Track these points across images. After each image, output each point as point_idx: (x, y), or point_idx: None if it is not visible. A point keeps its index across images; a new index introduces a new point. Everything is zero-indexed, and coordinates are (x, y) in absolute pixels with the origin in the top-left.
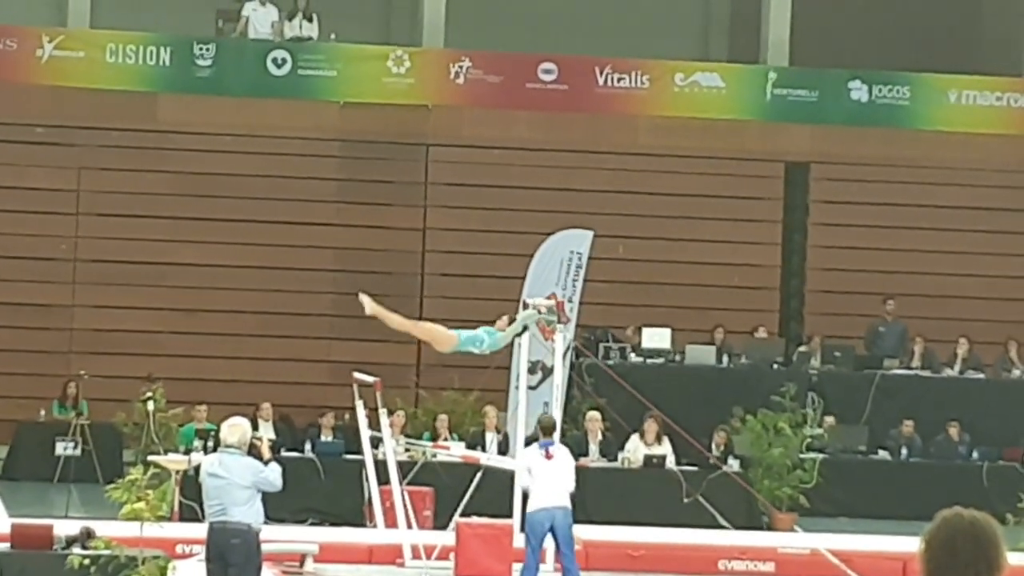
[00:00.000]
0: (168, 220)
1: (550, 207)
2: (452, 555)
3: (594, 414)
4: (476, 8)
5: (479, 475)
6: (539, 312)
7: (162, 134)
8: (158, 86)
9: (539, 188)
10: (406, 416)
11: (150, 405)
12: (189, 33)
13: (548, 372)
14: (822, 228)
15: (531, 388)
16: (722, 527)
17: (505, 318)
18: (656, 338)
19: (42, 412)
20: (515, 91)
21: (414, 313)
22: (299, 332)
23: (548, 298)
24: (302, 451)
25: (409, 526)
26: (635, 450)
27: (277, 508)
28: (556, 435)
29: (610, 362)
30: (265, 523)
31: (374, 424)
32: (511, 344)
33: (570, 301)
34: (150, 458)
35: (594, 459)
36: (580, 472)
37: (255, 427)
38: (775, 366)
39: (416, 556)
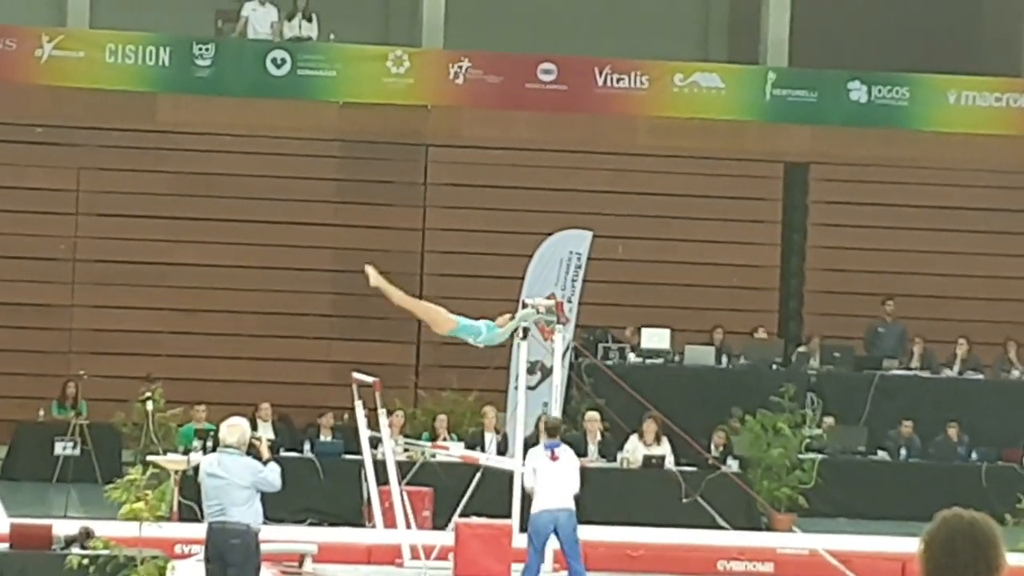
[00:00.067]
0: (167, 220)
1: (549, 207)
2: (451, 555)
3: (593, 414)
4: (475, 8)
5: (478, 475)
6: (538, 312)
7: (161, 134)
8: (157, 86)
9: (538, 188)
10: (405, 416)
11: (149, 405)
12: (188, 33)
13: (547, 372)
14: (821, 229)
15: (530, 388)
16: (721, 527)
17: (507, 316)
18: (655, 338)
19: (41, 412)
20: (514, 91)
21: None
22: (298, 332)
23: (547, 298)
24: (301, 451)
25: (408, 526)
26: (634, 450)
27: (276, 508)
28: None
29: (609, 362)
30: (264, 523)
31: (373, 424)
32: (510, 344)
33: (569, 301)
34: (149, 458)
35: (593, 459)
36: (579, 472)
37: (254, 427)
38: (774, 367)
39: (415, 556)
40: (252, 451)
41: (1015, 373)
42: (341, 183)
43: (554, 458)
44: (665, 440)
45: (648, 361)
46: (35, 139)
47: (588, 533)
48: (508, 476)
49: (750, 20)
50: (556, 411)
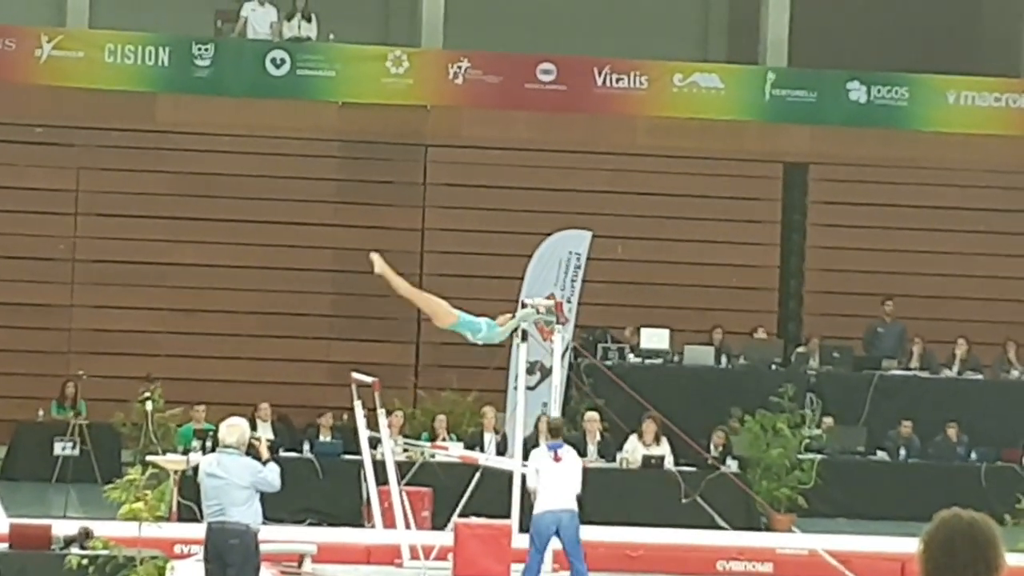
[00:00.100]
0: (167, 220)
1: (548, 207)
2: (450, 555)
3: (592, 415)
4: (475, 8)
5: (477, 475)
6: (537, 312)
7: (161, 134)
8: (157, 86)
9: (538, 189)
10: (404, 416)
11: (148, 405)
12: (188, 33)
13: (547, 373)
14: (821, 229)
15: (530, 389)
16: (720, 528)
17: (508, 316)
18: (654, 339)
19: (40, 412)
20: (514, 91)
21: (412, 313)
22: (298, 332)
23: (547, 298)
24: (300, 451)
25: (407, 526)
26: (633, 451)
27: (275, 508)
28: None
29: (608, 363)
30: (263, 523)
31: (372, 424)
32: (510, 344)
33: (568, 302)
34: (148, 458)
35: (592, 460)
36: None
37: (253, 427)
38: (773, 367)
39: (414, 556)
40: (251, 451)
41: (1014, 373)
42: (340, 183)
43: (557, 459)
44: (664, 440)
45: (647, 361)
46: (34, 139)
47: (588, 533)
48: (507, 476)
49: (749, 20)
50: (555, 411)
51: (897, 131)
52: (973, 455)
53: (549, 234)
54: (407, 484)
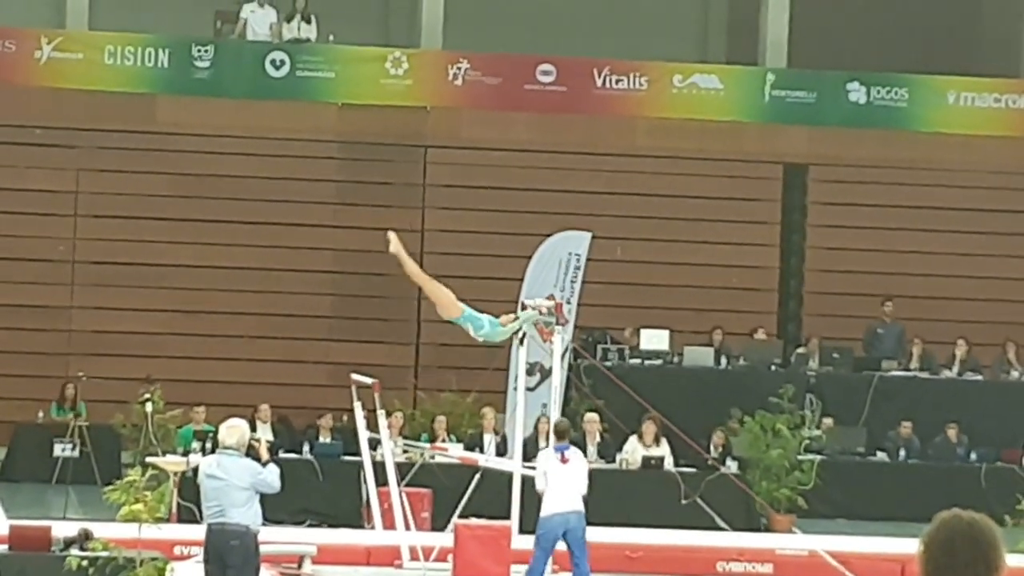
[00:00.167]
0: (166, 222)
1: (548, 209)
2: (450, 557)
3: (592, 416)
4: (474, 9)
5: (477, 477)
6: (540, 313)
7: (160, 136)
8: (156, 88)
9: (537, 190)
10: (404, 417)
11: (148, 407)
12: (187, 35)
13: (546, 374)
14: (820, 230)
15: (529, 390)
16: (720, 528)
17: (511, 316)
18: (654, 340)
19: (40, 414)
20: (513, 92)
21: (411, 314)
22: (297, 333)
23: (547, 299)
24: (300, 452)
25: (407, 528)
26: (633, 451)
27: (275, 509)
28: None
29: (608, 364)
30: (263, 524)
31: (372, 426)
32: (509, 345)
33: (568, 303)
34: (148, 459)
35: (592, 461)
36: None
37: (253, 428)
38: (773, 367)
39: (414, 558)
40: (251, 452)
41: (1014, 374)
42: (340, 184)
43: (564, 460)
44: (664, 441)
45: (647, 362)
46: (34, 141)
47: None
48: (507, 477)
49: (749, 21)
50: (555, 413)
51: (897, 132)
52: (973, 456)
53: (549, 235)
54: (407, 485)
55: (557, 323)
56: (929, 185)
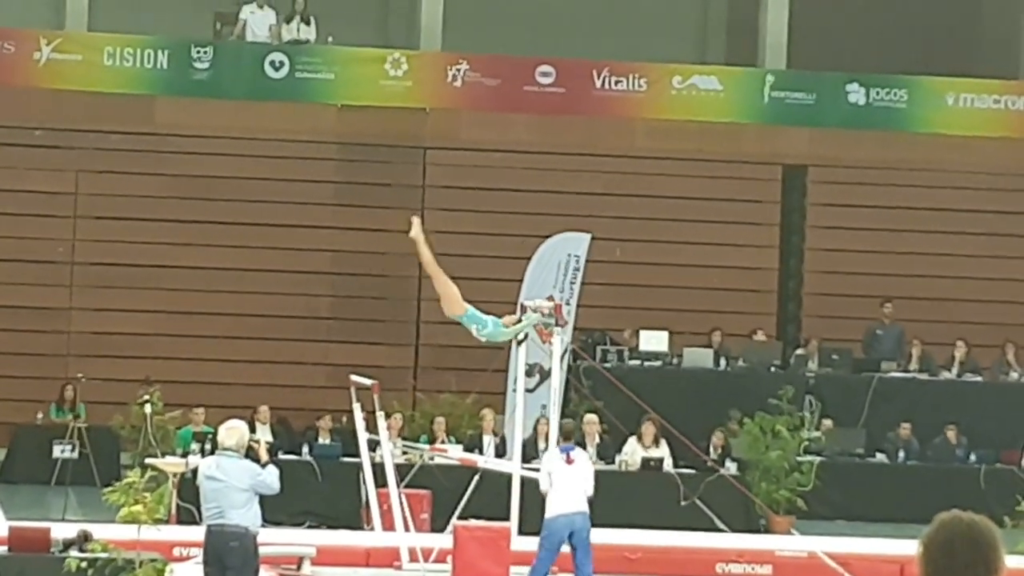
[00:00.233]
0: (165, 223)
1: (547, 210)
2: (450, 558)
3: (591, 417)
4: (474, 11)
5: (476, 478)
6: (542, 315)
7: (160, 137)
8: (156, 89)
9: (536, 191)
10: (403, 419)
11: (147, 408)
12: (187, 36)
13: (546, 375)
14: (819, 231)
15: (529, 391)
16: (719, 530)
17: (514, 317)
18: (653, 341)
19: (39, 415)
20: (513, 94)
21: (411, 316)
22: (297, 335)
23: (546, 300)
24: (299, 454)
25: (407, 529)
26: (632, 453)
27: (274, 511)
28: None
29: (607, 365)
30: (262, 526)
31: (371, 427)
32: (508, 347)
33: (567, 304)
34: (147, 461)
35: (591, 462)
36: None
37: (252, 430)
38: (772, 369)
39: (413, 559)
40: (250, 454)
41: (1013, 375)
42: (339, 186)
43: (569, 461)
44: (663, 442)
45: (646, 363)
46: (33, 142)
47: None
48: (506, 479)
49: (748, 22)
50: (554, 414)
51: (896, 133)
52: (972, 457)
53: (548, 236)
54: (406, 486)
55: (556, 324)
56: (928, 186)
